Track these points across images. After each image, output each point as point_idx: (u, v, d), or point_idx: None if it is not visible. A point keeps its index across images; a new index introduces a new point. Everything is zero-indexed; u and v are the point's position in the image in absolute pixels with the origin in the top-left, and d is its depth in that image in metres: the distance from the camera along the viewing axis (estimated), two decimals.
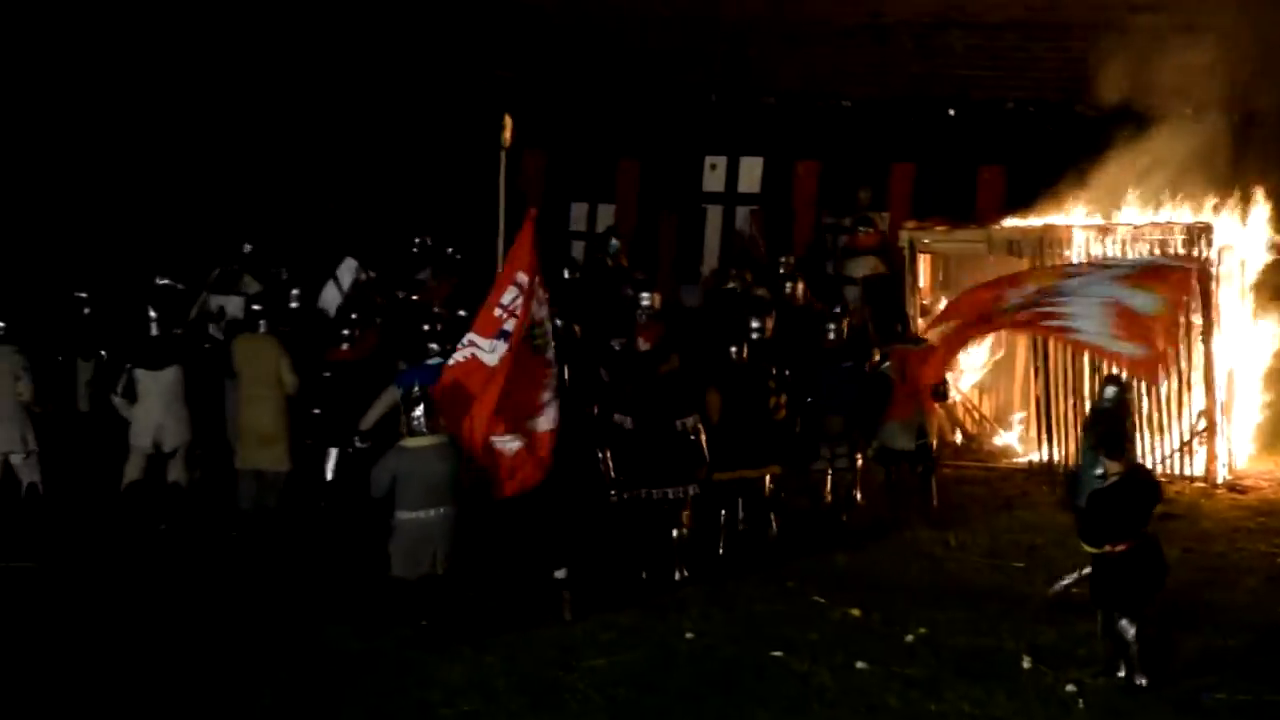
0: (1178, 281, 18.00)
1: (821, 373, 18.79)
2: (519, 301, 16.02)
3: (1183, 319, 18.48)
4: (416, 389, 15.90)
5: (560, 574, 16.02)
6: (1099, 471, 14.73)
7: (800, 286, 21.21)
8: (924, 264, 21.15)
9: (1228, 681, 14.29)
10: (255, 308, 18.85)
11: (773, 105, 25.83)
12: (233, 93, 25.38)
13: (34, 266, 22.28)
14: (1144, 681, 14.18)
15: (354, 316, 19.48)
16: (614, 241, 22.60)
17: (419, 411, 15.66)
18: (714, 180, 25.22)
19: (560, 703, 14.09)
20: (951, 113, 25.60)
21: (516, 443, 15.89)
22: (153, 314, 18.79)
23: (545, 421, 15.95)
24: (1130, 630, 14.18)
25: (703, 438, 16.96)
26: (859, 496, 18.94)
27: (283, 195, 24.90)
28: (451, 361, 16.14)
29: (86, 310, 19.91)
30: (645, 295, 20.25)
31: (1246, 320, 20.65)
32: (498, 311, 16.07)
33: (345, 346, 18.94)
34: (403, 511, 15.56)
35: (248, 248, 21.59)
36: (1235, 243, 20.46)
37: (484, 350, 16.02)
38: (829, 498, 18.84)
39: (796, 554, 17.59)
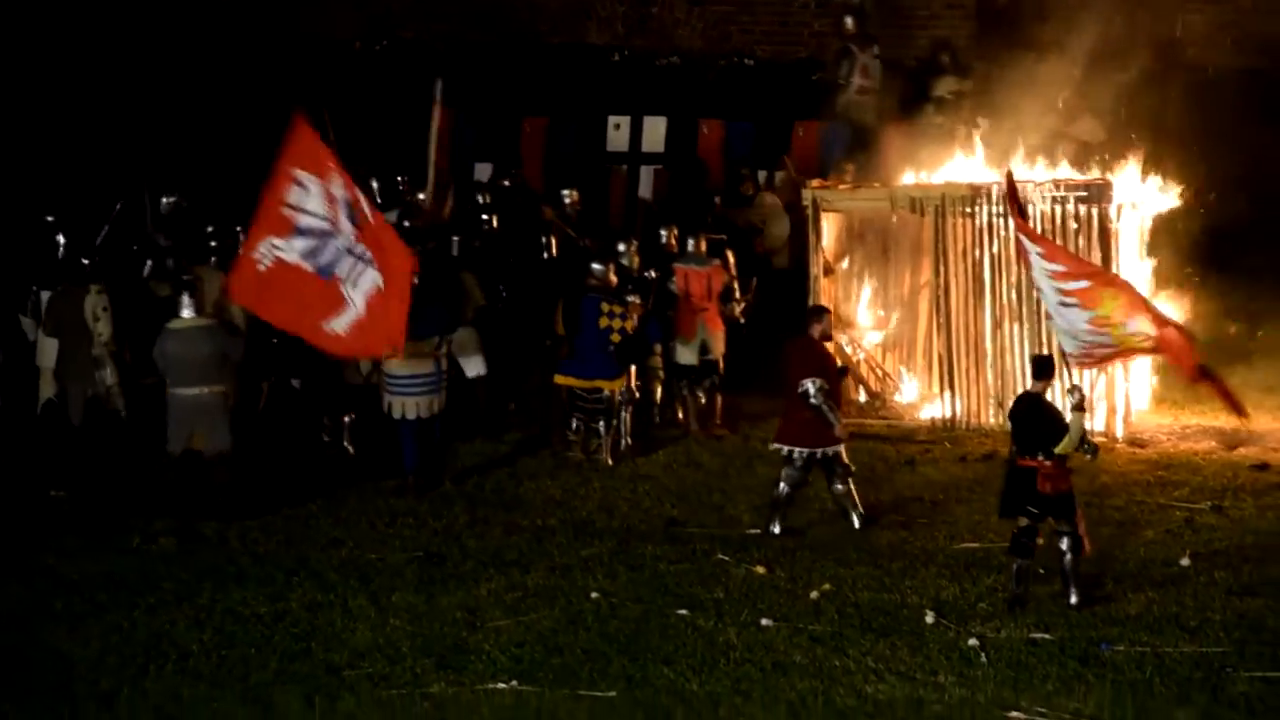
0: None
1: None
2: (324, 198, 16.73)
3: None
4: (187, 276, 17.66)
5: None
6: None
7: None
8: (828, 222, 21.21)
9: (1127, 634, 14.46)
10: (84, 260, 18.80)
11: (676, 65, 25.90)
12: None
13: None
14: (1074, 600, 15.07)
15: None
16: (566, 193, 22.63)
17: (186, 295, 17.26)
18: (618, 140, 25.22)
19: (466, 664, 14.10)
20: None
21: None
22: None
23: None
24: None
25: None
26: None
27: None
28: (262, 267, 16.85)
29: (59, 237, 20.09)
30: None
31: (1143, 274, 20.83)
32: (285, 211, 16.79)
33: None
34: (172, 389, 17.32)
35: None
36: (1133, 198, 20.63)
37: (286, 250, 16.79)
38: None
39: (702, 513, 17.71)
